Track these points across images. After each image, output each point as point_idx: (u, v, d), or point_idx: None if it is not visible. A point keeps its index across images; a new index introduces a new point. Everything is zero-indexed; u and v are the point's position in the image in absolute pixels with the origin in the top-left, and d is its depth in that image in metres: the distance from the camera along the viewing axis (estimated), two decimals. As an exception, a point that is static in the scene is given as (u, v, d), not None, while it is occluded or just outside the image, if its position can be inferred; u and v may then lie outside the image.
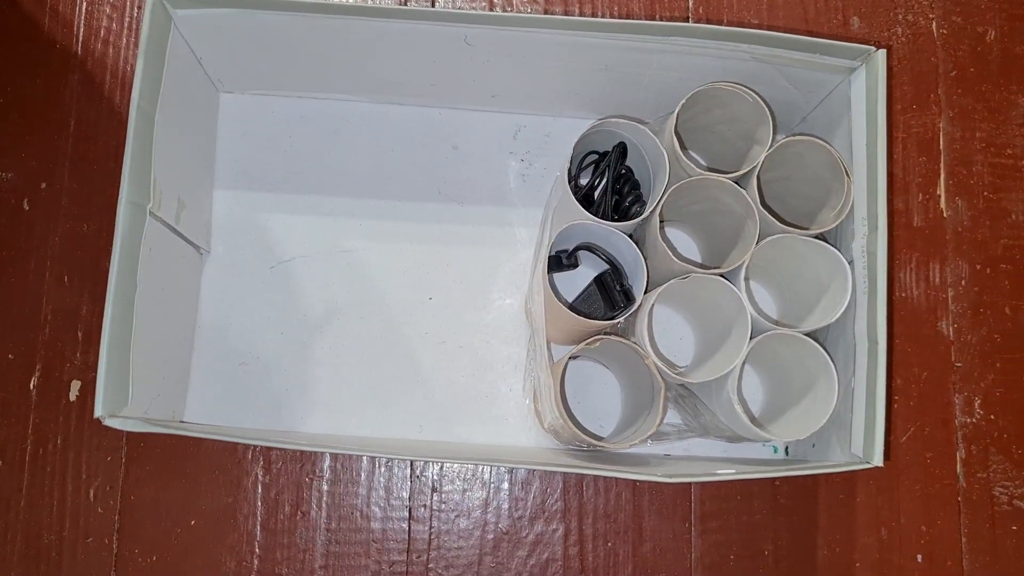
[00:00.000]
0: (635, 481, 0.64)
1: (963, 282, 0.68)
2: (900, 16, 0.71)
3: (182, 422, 0.63)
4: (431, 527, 0.64)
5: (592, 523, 0.64)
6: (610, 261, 0.61)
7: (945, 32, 0.71)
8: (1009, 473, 0.66)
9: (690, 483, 0.64)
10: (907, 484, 0.65)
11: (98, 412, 0.50)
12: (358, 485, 0.64)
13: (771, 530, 0.64)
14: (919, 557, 0.64)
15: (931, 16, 0.71)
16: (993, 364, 0.67)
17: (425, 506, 0.64)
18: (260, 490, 0.64)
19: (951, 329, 0.68)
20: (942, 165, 0.70)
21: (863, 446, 0.53)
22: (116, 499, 0.63)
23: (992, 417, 0.67)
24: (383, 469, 0.64)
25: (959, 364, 0.67)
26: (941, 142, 0.70)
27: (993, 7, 0.72)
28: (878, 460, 0.51)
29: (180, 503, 0.63)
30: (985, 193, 0.69)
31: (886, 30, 0.71)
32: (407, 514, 0.64)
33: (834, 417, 0.55)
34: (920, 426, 0.66)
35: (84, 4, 0.69)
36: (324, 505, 0.64)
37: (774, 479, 0.65)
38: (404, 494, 0.64)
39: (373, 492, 0.64)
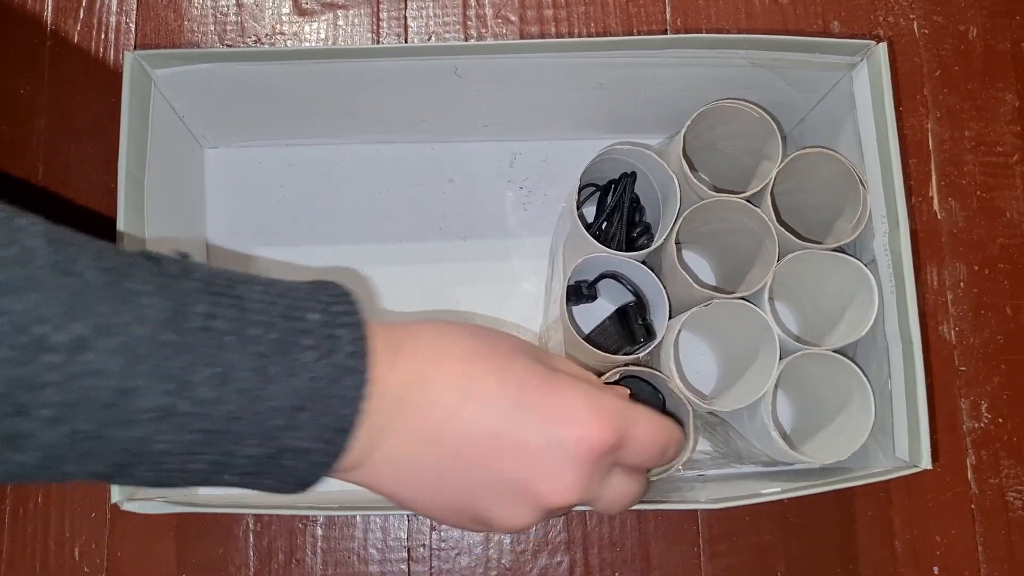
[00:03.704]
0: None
1: (962, 284, 0.67)
2: (881, 18, 0.70)
3: (197, 493, 0.61)
4: (431, 567, 0.62)
5: (598, 553, 0.62)
6: (635, 292, 0.59)
7: (927, 32, 0.70)
8: (1022, 477, 0.64)
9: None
10: (918, 494, 0.64)
11: (115, 497, 0.48)
12: (354, 527, 0.62)
13: (782, 550, 0.62)
14: (936, 569, 0.63)
15: (912, 16, 0.70)
16: (998, 366, 0.66)
17: (424, 545, 0.62)
18: (251, 539, 0.61)
19: (953, 333, 0.66)
20: (933, 166, 0.68)
21: (908, 450, 0.51)
22: (103, 557, 0.61)
23: (1000, 420, 0.65)
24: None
25: (963, 368, 0.66)
26: (930, 143, 0.69)
27: (974, 4, 0.71)
28: (926, 463, 0.49)
29: (169, 557, 0.61)
30: (978, 192, 0.68)
31: (867, 32, 0.70)
32: (406, 555, 0.62)
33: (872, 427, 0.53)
34: (929, 434, 0.64)
35: (48, 46, 0.67)
36: (319, 551, 0.62)
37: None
38: (402, 534, 0.62)
39: (370, 534, 0.62)
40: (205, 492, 0.61)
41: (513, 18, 0.69)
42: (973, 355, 0.66)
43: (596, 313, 0.62)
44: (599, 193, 0.62)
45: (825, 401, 0.58)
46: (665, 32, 0.69)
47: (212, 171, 0.66)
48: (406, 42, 0.69)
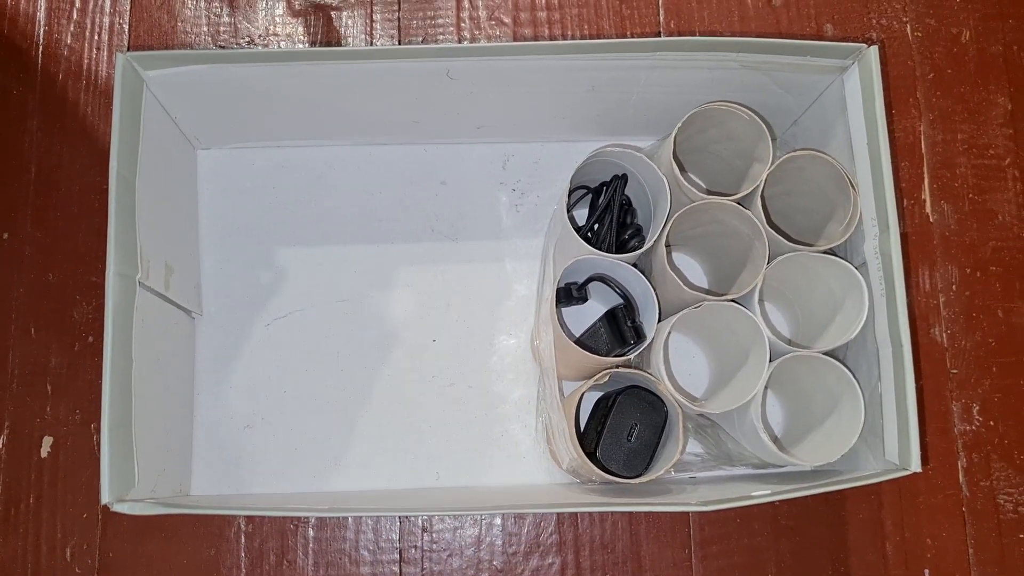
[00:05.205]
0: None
1: (954, 287, 0.67)
2: (874, 20, 0.70)
3: (188, 495, 0.61)
4: (423, 568, 0.62)
5: (589, 555, 0.62)
6: (624, 295, 0.59)
7: (920, 35, 0.70)
8: (1012, 480, 0.64)
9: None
10: (909, 497, 0.64)
11: (105, 499, 0.48)
12: (345, 529, 0.62)
13: (773, 552, 0.62)
14: (926, 571, 0.63)
15: (905, 19, 0.71)
16: (989, 369, 0.66)
17: (416, 547, 0.62)
18: (243, 540, 0.61)
19: (944, 336, 0.66)
20: (925, 169, 0.69)
21: (898, 453, 0.51)
22: (94, 558, 0.61)
23: (991, 423, 0.65)
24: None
25: (955, 371, 0.66)
26: (923, 146, 0.69)
27: (966, 7, 0.71)
28: (916, 466, 0.49)
29: (161, 558, 0.61)
30: (970, 195, 0.68)
31: (860, 35, 0.70)
32: (397, 556, 0.62)
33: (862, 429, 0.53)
34: (919, 436, 0.64)
35: (40, 47, 0.67)
36: (311, 552, 0.61)
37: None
38: (394, 536, 0.62)
39: (361, 535, 0.62)
40: (196, 494, 0.61)
41: (506, 20, 0.69)
42: (965, 358, 0.66)
43: (587, 315, 0.62)
44: (591, 196, 0.62)
45: (815, 403, 0.58)
46: (658, 34, 0.69)
47: (204, 173, 0.66)
48: (399, 44, 0.69)
